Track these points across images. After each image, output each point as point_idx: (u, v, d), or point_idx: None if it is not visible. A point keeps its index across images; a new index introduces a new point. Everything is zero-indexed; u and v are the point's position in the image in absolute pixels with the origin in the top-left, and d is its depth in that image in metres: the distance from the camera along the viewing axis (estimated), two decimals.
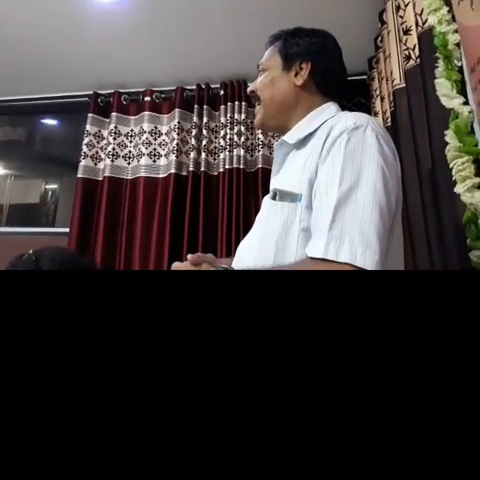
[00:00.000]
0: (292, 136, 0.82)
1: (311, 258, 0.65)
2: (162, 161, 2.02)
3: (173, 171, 1.94)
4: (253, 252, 0.79)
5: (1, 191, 2.39)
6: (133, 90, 2.14)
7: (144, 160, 2.00)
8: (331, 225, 0.64)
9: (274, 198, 0.78)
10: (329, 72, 0.86)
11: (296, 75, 0.84)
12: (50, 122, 2.41)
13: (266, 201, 0.84)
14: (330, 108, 0.84)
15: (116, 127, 2.07)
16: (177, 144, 1.98)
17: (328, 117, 0.80)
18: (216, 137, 2.03)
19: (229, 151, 1.93)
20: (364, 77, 1.86)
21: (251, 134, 1.99)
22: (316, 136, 0.78)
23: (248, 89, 0.92)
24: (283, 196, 0.76)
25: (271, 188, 0.84)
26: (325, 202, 0.67)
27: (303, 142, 0.80)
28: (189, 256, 0.74)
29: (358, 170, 0.67)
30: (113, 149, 2.04)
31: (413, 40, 1.16)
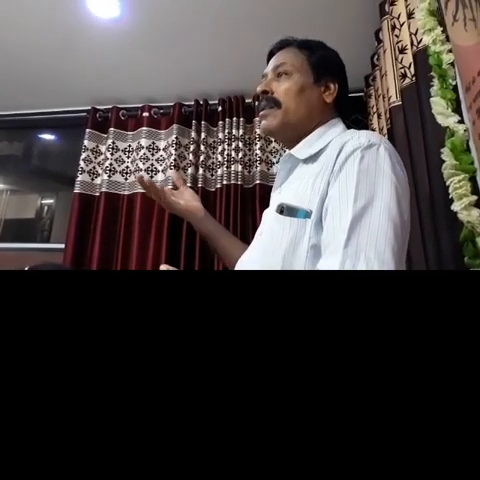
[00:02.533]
0: (302, 151, 0.81)
1: None
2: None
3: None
4: (257, 264, 0.77)
5: None
6: (131, 105, 2.15)
7: None
8: (346, 243, 0.63)
9: (281, 213, 0.76)
10: (346, 93, 0.87)
11: (325, 91, 0.84)
12: (47, 137, 2.42)
13: (270, 215, 0.82)
14: (337, 125, 0.84)
15: (114, 142, 2.08)
16: (175, 160, 1.98)
17: (336, 134, 0.80)
18: (214, 153, 2.03)
19: (227, 167, 1.93)
20: (361, 94, 1.88)
21: (249, 150, 2.00)
22: (326, 152, 0.77)
23: (259, 88, 0.85)
24: (291, 211, 0.74)
25: (274, 202, 0.82)
26: (338, 219, 0.66)
27: (312, 157, 0.80)
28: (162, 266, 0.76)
29: (372, 188, 0.66)
30: (110, 164, 2.04)
31: (409, 59, 1.17)
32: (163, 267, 0.75)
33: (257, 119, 1.99)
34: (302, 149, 0.81)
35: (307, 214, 0.72)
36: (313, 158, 0.79)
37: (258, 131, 1.98)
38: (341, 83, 0.85)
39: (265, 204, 1.83)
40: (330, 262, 0.64)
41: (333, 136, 0.80)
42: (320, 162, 0.76)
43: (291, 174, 0.84)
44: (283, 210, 0.75)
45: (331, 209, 0.68)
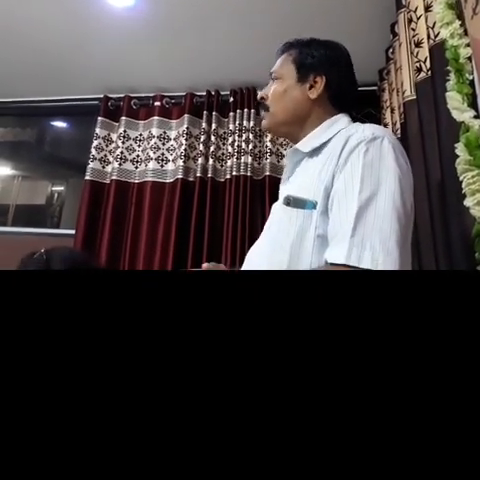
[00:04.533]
0: (306, 145, 0.83)
1: (332, 264, 0.66)
2: (170, 166, 2.02)
3: (180, 176, 1.95)
4: (264, 258, 0.79)
5: (8, 191, 2.41)
6: (143, 95, 2.15)
7: (152, 165, 2.01)
8: (353, 232, 0.65)
9: (288, 205, 0.78)
10: (342, 86, 0.87)
11: (310, 88, 0.85)
12: (60, 124, 2.43)
13: (278, 207, 0.84)
14: (342, 119, 0.85)
15: (125, 131, 2.09)
16: (185, 150, 1.98)
17: (341, 127, 0.81)
18: (224, 144, 2.03)
19: (237, 158, 1.93)
20: (374, 88, 1.86)
21: (259, 142, 2.00)
22: (330, 145, 0.79)
23: (258, 95, 0.92)
24: (297, 203, 0.76)
25: (282, 195, 0.84)
26: (344, 210, 0.68)
27: (316, 151, 0.81)
28: (205, 265, 0.80)
29: (377, 179, 0.68)
30: (121, 153, 2.05)
31: (424, 52, 1.16)
32: (205, 266, 0.78)
33: None
34: (306, 143, 0.83)
35: (313, 205, 0.74)
36: (318, 151, 0.81)
37: None
38: (333, 78, 0.85)
39: (274, 196, 1.83)
40: (337, 251, 0.66)
41: (337, 130, 0.81)
42: (325, 155, 0.78)
43: (297, 167, 0.86)
44: (290, 202, 0.77)
45: (337, 200, 0.70)
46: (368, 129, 0.74)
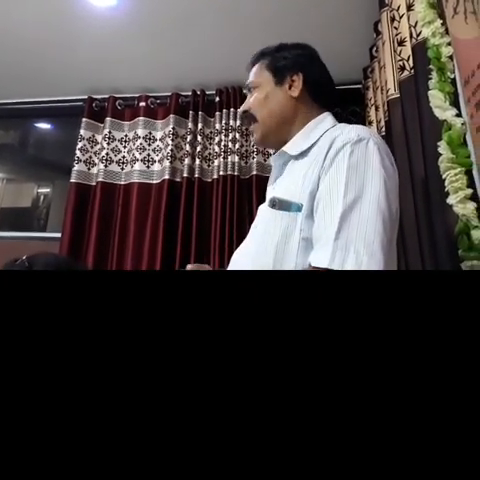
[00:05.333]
0: (293, 148, 0.83)
1: (315, 267, 0.66)
2: (156, 167, 2.01)
3: (167, 177, 1.94)
4: (249, 260, 0.79)
5: None
6: (128, 95, 2.13)
7: (138, 165, 2.00)
8: (337, 235, 0.65)
9: (273, 207, 0.78)
10: (321, 81, 0.88)
11: (290, 88, 0.85)
12: (44, 126, 2.40)
13: (264, 209, 0.84)
14: (327, 119, 0.86)
15: (110, 132, 2.07)
16: (171, 150, 1.97)
17: (327, 128, 0.82)
18: (211, 143, 2.03)
19: (223, 158, 1.93)
20: (359, 86, 1.87)
21: (246, 141, 2.00)
22: (316, 147, 0.79)
23: (240, 110, 0.92)
24: (283, 205, 0.76)
25: (268, 197, 0.84)
26: (329, 213, 0.68)
27: (303, 153, 0.81)
28: (189, 266, 0.80)
29: (362, 182, 0.68)
30: (107, 154, 2.03)
31: (407, 51, 1.17)
32: (190, 267, 0.78)
33: None
34: (293, 145, 0.83)
35: (298, 208, 0.74)
36: (304, 153, 0.81)
37: None
38: (310, 73, 0.86)
39: (262, 195, 1.84)
40: (321, 255, 0.66)
41: (323, 130, 0.81)
42: (311, 157, 0.78)
43: (284, 169, 0.86)
44: (275, 204, 0.77)
45: (322, 203, 0.70)
46: (353, 130, 0.74)
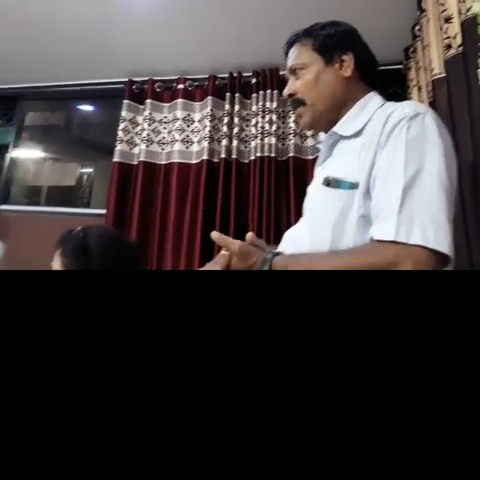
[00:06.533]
0: (345, 128, 0.83)
1: (379, 241, 0.66)
2: (195, 147, 2.06)
3: (205, 157, 1.98)
4: (306, 239, 0.80)
5: (40, 173, 2.48)
6: (166, 78, 2.17)
7: (177, 146, 2.05)
8: (400, 209, 0.65)
9: (328, 185, 0.78)
10: (368, 60, 0.87)
11: (341, 67, 0.84)
12: (87, 108, 2.49)
13: (317, 188, 0.84)
14: (375, 98, 0.85)
15: (150, 113, 2.12)
16: (209, 131, 2.01)
17: (377, 106, 0.81)
18: (247, 125, 2.05)
19: (261, 139, 1.95)
20: (400, 67, 1.84)
21: (282, 123, 2.01)
22: (369, 125, 0.79)
23: (285, 92, 0.89)
24: (337, 183, 0.76)
25: (319, 176, 0.84)
26: (389, 187, 0.68)
27: (355, 132, 0.81)
28: (249, 234, 0.77)
29: (421, 156, 0.68)
30: (148, 135, 2.09)
31: (454, 28, 1.15)
32: (215, 234, 0.77)
33: None
34: (345, 126, 0.83)
35: (354, 186, 0.74)
36: (356, 133, 0.81)
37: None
38: (359, 51, 0.85)
39: (299, 177, 1.87)
40: (384, 228, 0.66)
41: (374, 109, 0.81)
42: (364, 135, 0.78)
43: (334, 150, 0.86)
44: (330, 183, 0.78)
45: (380, 178, 0.70)
46: (409, 106, 0.74)
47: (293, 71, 0.88)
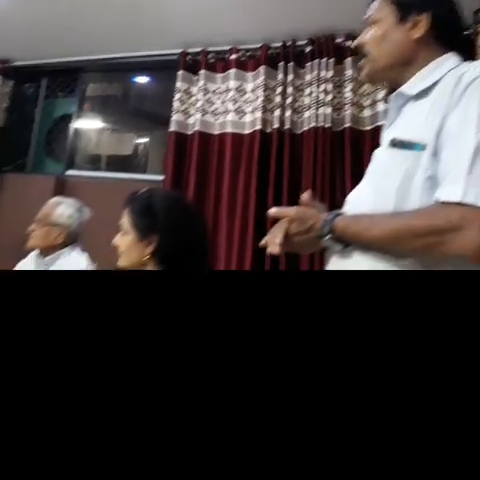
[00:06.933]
0: (413, 87, 0.80)
1: (443, 203, 0.64)
2: (248, 118, 2.06)
3: (258, 128, 1.99)
4: (369, 200, 0.78)
5: (99, 143, 2.59)
6: (219, 48, 2.17)
7: (231, 116, 2.07)
8: (469, 170, 0.63)
9: (394, 146, 0.76)
10: (450, 23, 0.82)
11: (413, 28, 0.80)
12: (142, 79, 2.55)
13: (383, 150, 0.82)
14: (451, 59, 0.81)
15: (205, 84, 2.14)
16: (262, 101, 2.01)
17: (451, 67, 0.77)
18: (301, 95, 2.03)
19: (315, 109, 1.93)
20: (468, 32, 1.75)
21: (338, 92, 1.97)
22: (440, 84, 0.75)
23: (353, 43, 0.88)
24: (405, 144, 0.74)
25: (386, 139, 0.82)
26: (459, 148, 0.66)
27: (424, 92, 0.78)
28: (305, 194, 0.77)
29: None
30: (202, 105, 2.12)
31: None
32: (272, 210, 0.77)
33: (349, 59, 1.95)
34: (412, 85, 0.80)
35: (422, 147, 0.71)
36: (425, 93, 0.78)
37: (349, 73, 1.96)
38: (439, 13, 0.80)
39: (355, 148, 1.84)
40: (451, 189, 0.64)
41: (446, 70, 0.77)
42: (434, 95, 0.75)
43: (402, 111, 0.83)
44: (396, 144, 0.75)
45: (451, 138, 0.68)
46: None
47: (368, 22, 0.86)
